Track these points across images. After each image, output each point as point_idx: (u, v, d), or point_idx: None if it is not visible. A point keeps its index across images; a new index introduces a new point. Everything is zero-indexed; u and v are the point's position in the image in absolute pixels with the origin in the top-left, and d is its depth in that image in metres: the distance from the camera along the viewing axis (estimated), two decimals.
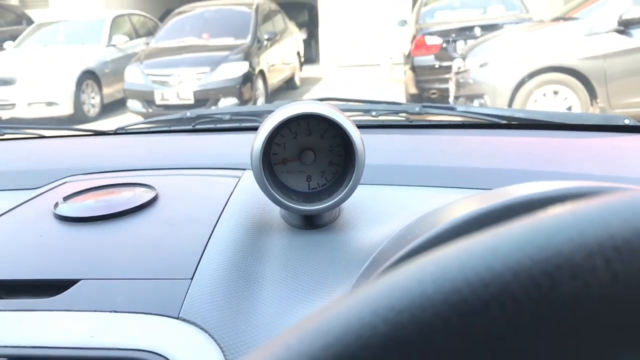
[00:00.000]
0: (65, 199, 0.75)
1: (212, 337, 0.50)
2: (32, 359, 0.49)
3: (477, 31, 5.53)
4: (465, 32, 5.71)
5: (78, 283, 0.56)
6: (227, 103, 6.04)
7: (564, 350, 0.15)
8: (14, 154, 1.02)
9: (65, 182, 0.84)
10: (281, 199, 0.65)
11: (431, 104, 1.13)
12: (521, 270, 0.14)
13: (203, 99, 5.99)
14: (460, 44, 5.56)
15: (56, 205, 0.73)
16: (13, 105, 6.45)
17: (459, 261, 0.15)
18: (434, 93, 5.72)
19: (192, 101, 5.96)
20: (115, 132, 1.14)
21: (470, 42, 5.27)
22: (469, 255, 0.16)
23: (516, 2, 6.36)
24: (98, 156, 0.95)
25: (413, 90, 5.85)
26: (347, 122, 0.64)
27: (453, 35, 5.72)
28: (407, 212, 0.70)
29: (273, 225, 0.69)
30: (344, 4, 9.49)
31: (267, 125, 0.65)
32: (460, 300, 0.15)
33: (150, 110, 6.03)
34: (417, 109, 1.11)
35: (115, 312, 0.52)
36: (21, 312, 0.53)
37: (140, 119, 6.11)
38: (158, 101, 6.00)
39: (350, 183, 0.65)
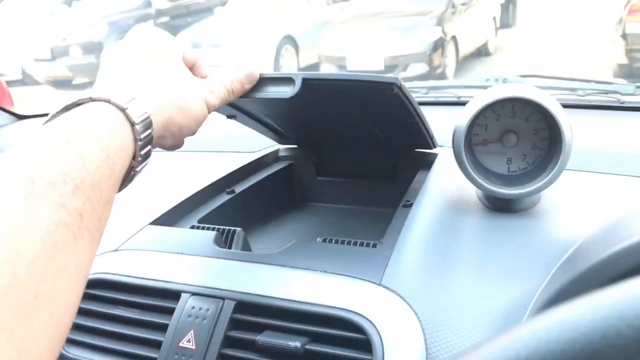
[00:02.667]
0: None
1: (410, 306, 0.54)
2: (256, 305, 0.57)
3: None
4: None
5: (293, 243, 0.64)
6: (416, 70, 6.02)
7: None
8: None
9: (279, 149, 0.94)
10: (480, 181, 0.66)
11: None
12: None
13: (392, 64, 6.03)
14: None
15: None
16: (219, 67, 7.08)
17: None
18: None
19: (382, 67, 6.04)
20: None
21: None
22: None
23: None
24: None
25: (623, 60, 5.31)
26: (555, 106, 0.63)
27: None
28: (614, 203, 0.67)
29: (470, 205, 0.70)
30: None
31: (472, 107, 0.66)
32: None
33: None
34: (630, 90, 1.03)
35: (325, 272, 0.59)
36: (248, 263, 0.62)
37: None
38: (350, 67, 6.18)
39: (555, 169, 0.64)
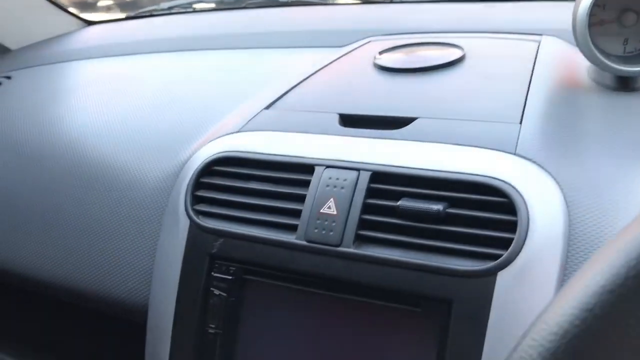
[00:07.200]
0: (381, 53, 0.83)
1: (549, 172, 0.56)
2: (391, 174, 0.59)
3: None
4: None
5: (416, 120, 0.65)
6: None
7: None
8: (317, 15, 1.14)
9: (369, 42, 0.93)
10: (603, 59, 0.66)
11: None
12: None
13: None
14: None
15: (375, 58, 0.82)
16: None
17: None
18: None
19: None
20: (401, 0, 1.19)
21: None
22: None
23: None
24: (393, 20, 1.02)
25: None
26: None
27: None
28: None
29: (583, 86, 0.71)
30: None
31: None
32: None
33: None
34: None
35: (457, 144, 0.60)
36: (375, 139, 0.63)
37: None
38: None
39: None
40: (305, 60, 0.91)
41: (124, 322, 0.72)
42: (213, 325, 0.62)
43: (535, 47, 0.81)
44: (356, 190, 0.59)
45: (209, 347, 0.62)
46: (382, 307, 0.56)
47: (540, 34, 0.85)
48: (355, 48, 0.91)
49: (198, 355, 0.62)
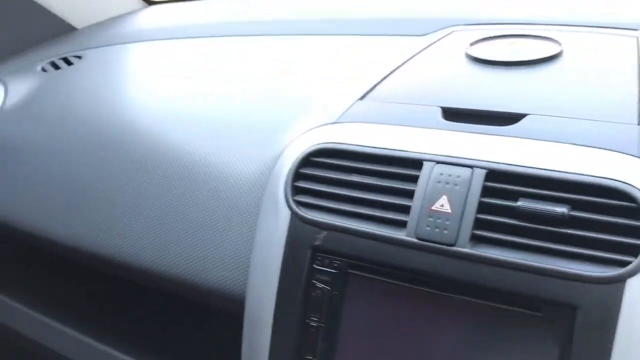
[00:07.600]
0: (472, 44, 0.81)
1: None
2: (508, 173, 0.57)
3: None
4: None
5: (527, 117, 0.63)
6: None
7: None
8: (395, 2, 1.11)
9: (453, 32, 0.91)
10: None
11: None
12: None
13: None
14: None
15: (466, 49, 0.80)
16: None
17: None
18: None
19: None
20: None
21: None
22: None
23: None
24: (474, 9, 1.00)
25: None
26: None
27: None
28: None
29: None
30: None
31: None
32: None
33: None
34: None
35: (574, 144, 0.58)
36: (485, 135, 0.62)
37: None
38: None
39: None
40: (389, 50, 0.89)
41: (216, 313, 0.72)
42: (315, 319, 0.62)
43: (634, 42, 0.78)
44: (470, 188, 0.57)
45: (310, 340, 0.62)
46: (497, 310, 0.54)
47: (635, 29, 0.82)
48: (441, 38, 0.89)
49: (299, 348, 0.62)
